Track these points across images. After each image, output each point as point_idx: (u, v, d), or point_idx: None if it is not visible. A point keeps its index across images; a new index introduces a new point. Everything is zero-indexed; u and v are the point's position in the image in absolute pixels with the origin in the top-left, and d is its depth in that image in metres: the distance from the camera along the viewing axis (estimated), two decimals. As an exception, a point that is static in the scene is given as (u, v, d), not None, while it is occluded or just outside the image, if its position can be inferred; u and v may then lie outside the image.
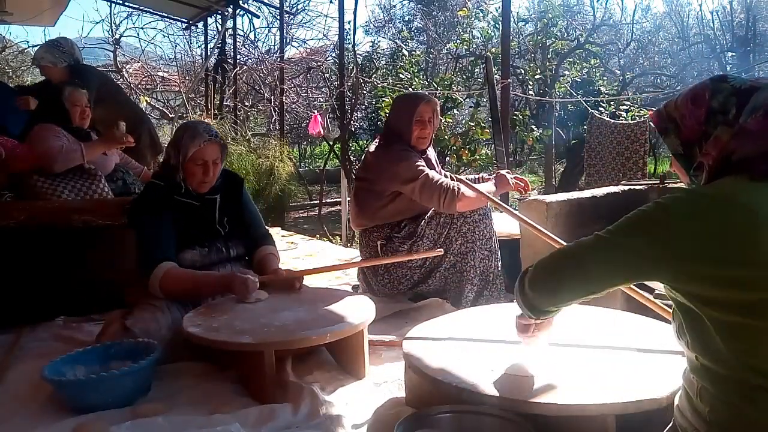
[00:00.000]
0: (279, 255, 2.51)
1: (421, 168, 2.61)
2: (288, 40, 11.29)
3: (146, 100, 8.90)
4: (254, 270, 2.33)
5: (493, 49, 8.36)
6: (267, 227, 2.64)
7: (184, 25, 9.91)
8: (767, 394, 0.97)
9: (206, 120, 7.27)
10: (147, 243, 2.20)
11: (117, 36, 10.28)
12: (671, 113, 1.17)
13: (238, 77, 9.46)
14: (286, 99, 9.35)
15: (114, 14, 10.21)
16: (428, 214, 2.67)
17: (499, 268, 2.68)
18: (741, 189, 1.03)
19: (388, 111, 3.08)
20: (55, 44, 3.75)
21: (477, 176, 3.10)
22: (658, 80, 12.79)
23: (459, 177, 2.80)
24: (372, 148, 2.84)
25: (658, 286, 1.39)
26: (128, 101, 4.59)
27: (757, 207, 0.99)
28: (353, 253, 4.28)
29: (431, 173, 2.61)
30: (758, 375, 0.98)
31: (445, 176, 3.05)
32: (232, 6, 8.48)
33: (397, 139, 2.73)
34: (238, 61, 9.51)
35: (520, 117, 9.10)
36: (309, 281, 2.45)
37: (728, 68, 12.54)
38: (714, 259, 1.00)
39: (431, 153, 2.90)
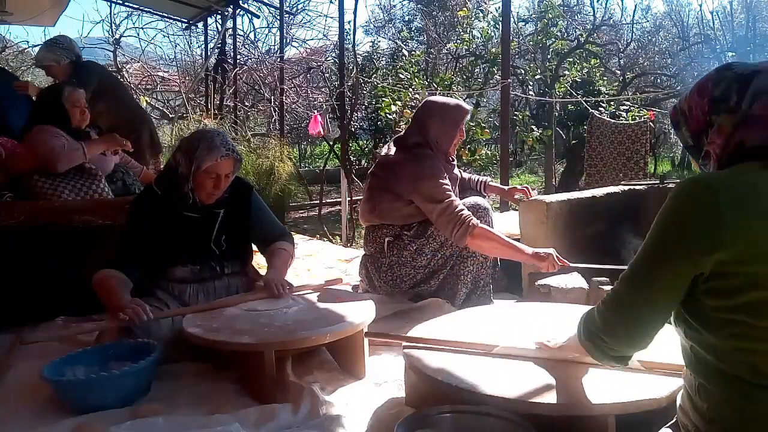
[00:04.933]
0: (293, 251, 2.48)
1: (447, 192, 2.53)
2: (288, 40, 11.27)
3: (146, 100, 8.90)
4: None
5: (493, 49, 8.36)
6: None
7: (184, 25, 9.89)
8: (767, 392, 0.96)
9: (206, 120, 7.27)
10: (117, 248, 2.22)
11: (117, 36, 10.28)
12: (682, 106, 1.18)
13: (238, 77, 9.45)
14: (286, 99, 9.34)
15: (114, 14, 10.23)
16: None
17: (489, 276, 2.69)
18: (745, 174, 1.02)
19: (422, 116, 2.72)
20: (54, 42, 3.78)
21: (479, 179, 3.06)
22: (658, 80, 12.79)
23: (484, 227, 2.49)
24: (392, 149, 2.73)
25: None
26: (129, 98, 4.59)
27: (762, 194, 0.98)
28: (353, 253, 4.28)
29: (456, 201, 2.53)
30: (758, 375, 0.97)
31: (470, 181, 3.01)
32: (232, 6, 8.47)
33: (428, 147, 2.66)
34: (238, 61, 9.50)
35: (520, 117, 9.10)
36: (308, 280, 2.44)
37: (728, 68, 12.49)
38: (715, 243, 0.98)
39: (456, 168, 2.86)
